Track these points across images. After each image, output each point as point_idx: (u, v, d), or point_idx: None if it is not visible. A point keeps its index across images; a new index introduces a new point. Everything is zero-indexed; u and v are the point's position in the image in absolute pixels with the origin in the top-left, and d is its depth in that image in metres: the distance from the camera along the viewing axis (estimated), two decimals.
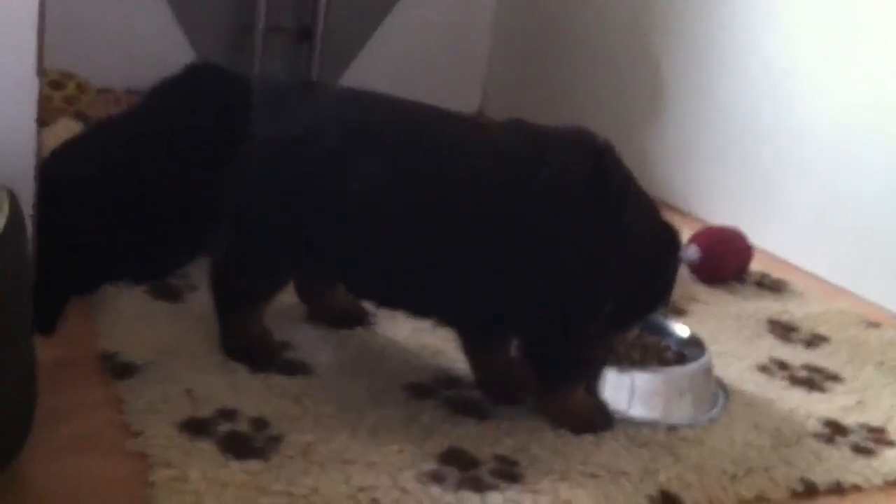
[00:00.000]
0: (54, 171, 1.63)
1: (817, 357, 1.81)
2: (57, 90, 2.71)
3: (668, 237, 1.49)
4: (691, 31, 2.72)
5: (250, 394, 1.43)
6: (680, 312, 1.92)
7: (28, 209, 1.56)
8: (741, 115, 2.56)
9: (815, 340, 1.89)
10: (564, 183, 1.41)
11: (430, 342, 1.64)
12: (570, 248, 1.39)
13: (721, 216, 2.58)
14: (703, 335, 1.80)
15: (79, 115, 2.62)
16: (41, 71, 1.56)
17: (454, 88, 3.54)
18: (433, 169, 1.43)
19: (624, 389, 1.50)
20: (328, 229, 1.46)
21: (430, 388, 1.52)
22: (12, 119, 1.52)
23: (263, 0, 3.20)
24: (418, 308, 1.50)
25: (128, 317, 1.63)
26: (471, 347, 1.55)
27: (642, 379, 1.51)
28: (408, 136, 1.46)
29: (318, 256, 1.51)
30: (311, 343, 1.62)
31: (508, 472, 1.31)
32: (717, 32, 2.64)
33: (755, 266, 2.23)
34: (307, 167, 1.46)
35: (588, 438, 1.42)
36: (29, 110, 1.54)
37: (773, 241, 2.42)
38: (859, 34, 2.25)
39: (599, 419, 1.46)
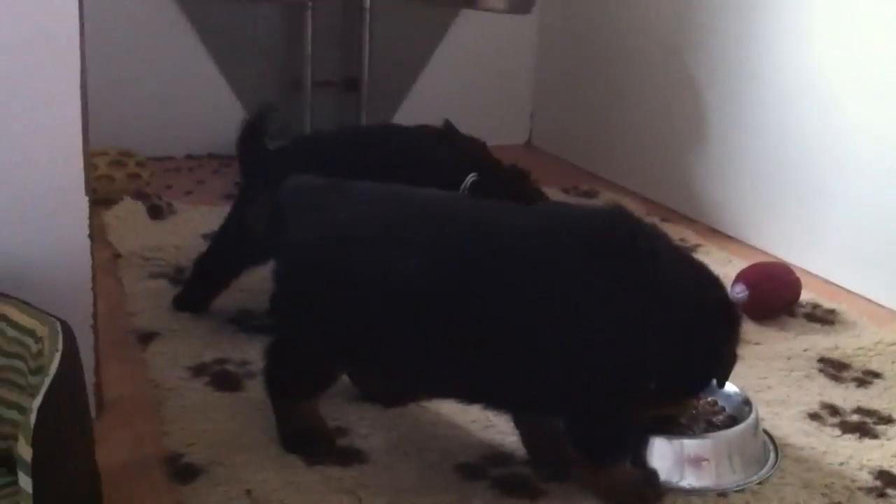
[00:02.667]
0: None
1: (869, 397, 1.82)
2: (118, 169, 2.81)
3: (722, 314, 1.49)
4: (733, 56, 2.73)
5: (308, 490, 1.48)
6: None
7: (87, 325, 1.65)
8: (787, 136, 2.56)
9: (866, 378, 1.89)
10: (597, 263, 1.43)
11: (480, 416, 1.67)
12: (605, 327, 1.42)
13: (769, 241, 2.59)
14: (753, 381, 1.84)
15: (138, 194, 2.72)
16: (90, 189, 1.64)
17: (503, 122, 3.59)
18: (468, 258, 1.47)
19: (672, 457, 1.53)
20: (371, 325, 1.51)
21: (480, 468, 1.56)
22: (65, 245, 1.60)
23: (309, 57, 3.29)
24: (464, 395, 1.54)
25: (190, 412, 1.70)
26: (521, 423, 1.59)
27: (690, 446, 1.54)
28: (442, 228, 1.51)
29: (363, 352, 1.57)
30: (365, 426, 1.68)
31: None
32: (760, 56, 2.63)
33: (806, 293, 2.24)
34: (347, 267, 1.51)
35: None
36: (82, 232, 1.62)
37: (823, 265, 2.42)
38: None
39: (648, 492, 1.48)
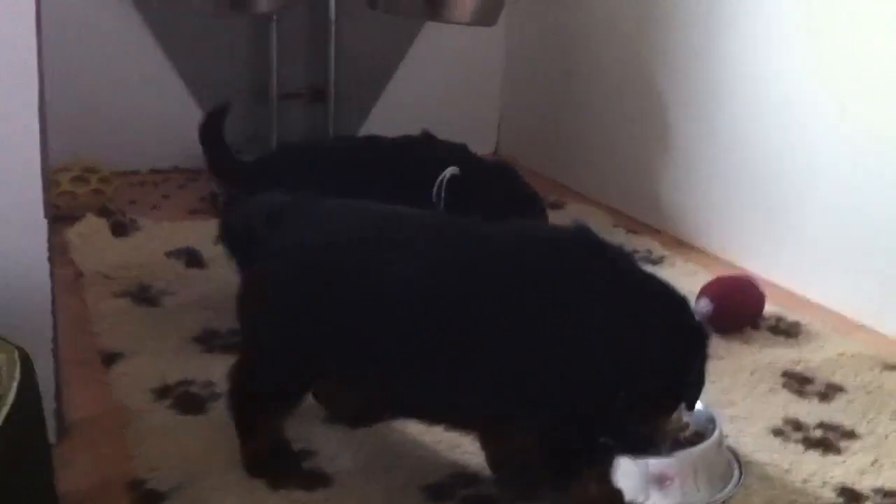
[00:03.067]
0: None
1: (832, 411, 1.83)
2: (81, 185, 2.79)
3: (689, 335, 1.48)
4: (699, 68, 2.74)
5: None
6: None
7: (48, 349, 1.63)
8: (752, 149, 2.57)
9: (830, 392, 1.90)
10: (567, 282, 1.44)
11: (447, 436, 1.66)
12: (574, 347, 1.42)
13: (735, 252, 2.61)
14: (717, 395, 1.85)
15: (102, 210, 2.69)
16: (49, 209, 1.62)
17: (470, 132, 3.57)
18: (466, 264, 1.47)
19: (637, 476, 1.53)
20: (343, 342, 1.50)
21: (447, 488, 1.56)
22: (24, 267, 1.58)
23: (275, 68, 3.27)
24: (437, 412, 1.54)
25: (154, 435, 1.69)
26: (487, 442, 1.58)
27: (655, 465, 1.54)
28: (439, 233, 1.52)
29: (335, 368, 1.56)
30: (331, 447, 1.67)
31: None
32: (723, 65, 2.65)
33: (770, 305, 2.25)
34: (322, 280, 1.51)
35: None
36: (41, 255, 1.60)
37: (787, 275, 2.44)
38: (868, 63, 2.26)
39: None
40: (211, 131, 2.22)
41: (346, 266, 1.50)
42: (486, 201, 2.02)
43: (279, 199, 1.63)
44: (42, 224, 1.59)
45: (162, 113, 3.28)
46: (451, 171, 2.04)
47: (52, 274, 1.63)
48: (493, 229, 1.54)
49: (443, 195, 2.11)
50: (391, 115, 3.50)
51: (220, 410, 1.73)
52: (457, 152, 2.19)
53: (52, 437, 1.64)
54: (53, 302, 1.65)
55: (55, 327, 1.65)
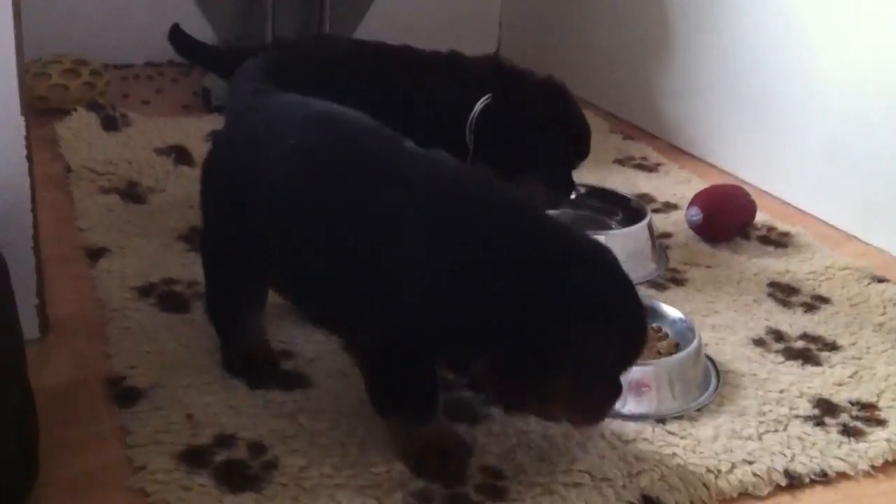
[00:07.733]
0: None
1: (816, 323, 1.82)
2: (73, 78, 2.75)
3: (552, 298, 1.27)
4: None
5: (248, 414, 1.48)
6: (680, 281, 1.94)
7: (28, 246, 1.63)
8: (750, 59, 2.52)
9: (815, 303, 1.89)
10: (437, 210, 1.34)
11: None
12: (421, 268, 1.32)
13: (730, 161, 2.58)
14: (701, 304, 1.85)
15: (93, 104, 2.66)
16: (26, 107, 1.60)
17: (471, 30, 3.53)
18: (343, 192, 1.39)
19: None
20: (261, 239, 1.47)
21: None
22: (1, 164, 1.57)
23: None
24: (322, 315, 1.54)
25: (135, 333, 1.69)
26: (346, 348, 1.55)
27: (632, 372, 1.52)
28: (328, 156, 1.42)
29: (266, 266, 1.53)
30: (311, 349, 1.67)
31: (493, 487, 1.35)
32: None
33: (762, 215, 2.23)
34: (242, 177, 1.49)
35: (575, 439, 1.45)
36: (18, 152, 1.59)
37: (781, 186, 2.41)
38: None
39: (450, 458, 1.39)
40: (180, 44, 2.22)
41: (239, 170, 1.48)
42: (521, 142, 1.85)
43: (247, 91, 1.61)
44: (19, 121, 1.57)
45: (157, 5, 3.23)
46: (484, 101, 1.84)
47: (30, 171, 1.62)
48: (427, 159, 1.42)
49: (471, 138, 1.88)
50: (390, 12, 3.44)
51: (202, 310, 1.73)
52: (492, 67, 1.95)
53: (34, 333, 1.65)
54: (33, 199, 1.63)
55: (35, 225, 1.65)
